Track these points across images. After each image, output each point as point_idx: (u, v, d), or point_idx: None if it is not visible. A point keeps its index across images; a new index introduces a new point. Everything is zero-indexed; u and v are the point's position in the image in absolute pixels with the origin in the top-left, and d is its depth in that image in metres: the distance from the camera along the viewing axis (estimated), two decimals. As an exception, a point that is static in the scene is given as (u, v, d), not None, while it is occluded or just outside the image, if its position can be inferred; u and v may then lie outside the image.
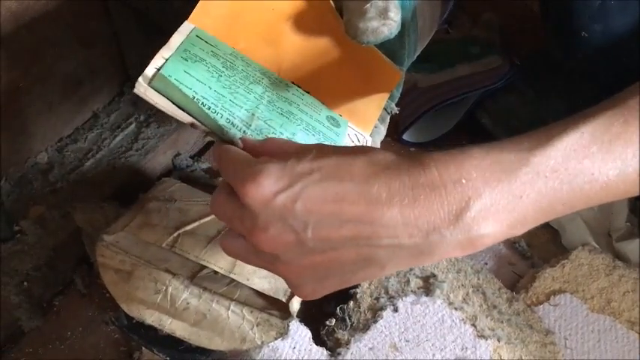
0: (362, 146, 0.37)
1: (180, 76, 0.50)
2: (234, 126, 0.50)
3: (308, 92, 0.57)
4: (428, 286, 0.66)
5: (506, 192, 0.34)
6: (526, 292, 0.69)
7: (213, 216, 0.67)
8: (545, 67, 0.87)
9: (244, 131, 0.49)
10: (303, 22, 0.57)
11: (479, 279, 0.68)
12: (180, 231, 0.65)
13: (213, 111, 0.49)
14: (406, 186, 0.34)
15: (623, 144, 0.35)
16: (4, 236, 0.68)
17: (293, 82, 0.57)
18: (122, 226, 0.65)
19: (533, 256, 0.74)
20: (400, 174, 0.35)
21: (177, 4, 0.72)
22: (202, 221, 0.66)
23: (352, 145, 0.53)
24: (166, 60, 0.51)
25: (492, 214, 0.34)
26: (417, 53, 0.62)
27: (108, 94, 0.88)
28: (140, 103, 0.88)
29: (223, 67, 0.54)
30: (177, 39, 0.54)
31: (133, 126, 0.85)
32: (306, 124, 0.53)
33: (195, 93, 0.50)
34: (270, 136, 0.50)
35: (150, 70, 0.50)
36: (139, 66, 0.89)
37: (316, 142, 0.52)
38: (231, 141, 0.48)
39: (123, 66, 0.89)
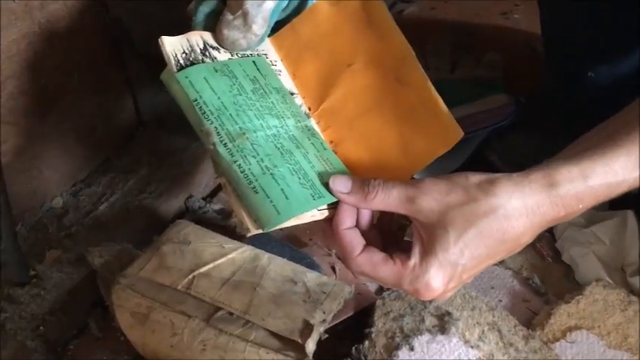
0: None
1: (196, 80, 0.52)
2: (218, 135, 0.50)
3: (333, 151, 0.55)
4: (443, 324, 0.66)
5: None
6: (542, 329, 0.68)
7: (227, 258, 0.68)
8: (548, 105, 0.89)
9: (225, 143, 0.50)
10: (367, 76, 0.58)
11: (494, 316, 0.68)
12: (195, 273, 0.65)
13: (207, 117, 0.51)
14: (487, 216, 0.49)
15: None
16: (20, 280, 0.69)
17: (321, 134, 0.56)
18: (138, 268, 0.66)
19: (547, 292, 0.74)
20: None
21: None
22: (217, 263, 0.67)
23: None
24: (194, 64, 0.53)
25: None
26: None
27: (121, 138, 0.89)
28: (153, 146, 0.90)
29: (252, 92, 0.54)
30: (224, 56, 0.55)
31: (145, 169, 0.86)
32: (299, 168, 0.51)
33: (199, 97, 0.51)
34: (247, 159, 0.49)
35: (177, 65, 0.53)
36: (151, 111, 0.91)
37: (298, 186, 0.50)
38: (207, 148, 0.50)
39: (135, 111, 0.91)
